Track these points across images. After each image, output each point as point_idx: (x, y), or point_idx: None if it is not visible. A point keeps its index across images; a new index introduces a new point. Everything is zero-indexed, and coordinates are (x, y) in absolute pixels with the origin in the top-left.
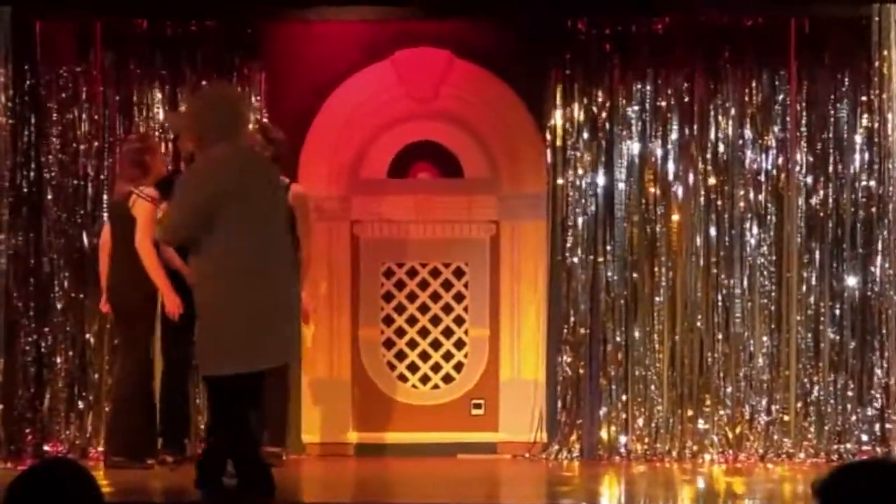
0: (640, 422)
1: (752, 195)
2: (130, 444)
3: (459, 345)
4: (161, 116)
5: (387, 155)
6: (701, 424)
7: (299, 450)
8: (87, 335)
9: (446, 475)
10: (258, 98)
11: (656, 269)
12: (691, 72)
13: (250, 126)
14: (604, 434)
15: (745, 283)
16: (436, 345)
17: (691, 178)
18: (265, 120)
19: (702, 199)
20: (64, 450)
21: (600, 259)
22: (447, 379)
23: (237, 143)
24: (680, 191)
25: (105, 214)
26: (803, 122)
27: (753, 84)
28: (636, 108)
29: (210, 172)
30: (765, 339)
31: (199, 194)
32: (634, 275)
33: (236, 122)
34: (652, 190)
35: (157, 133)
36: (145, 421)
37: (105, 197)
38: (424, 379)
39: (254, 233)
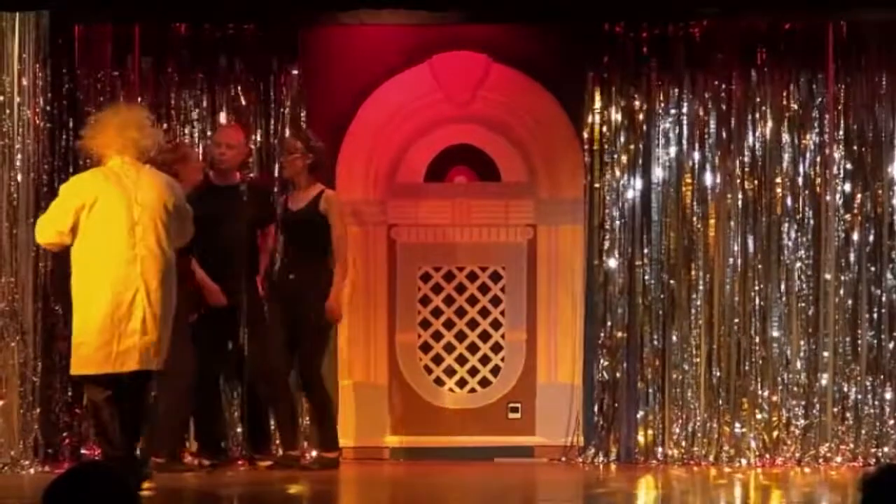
0: (677, 426)
1: (789, 199)
2: (168, 447)
3: (496, 348)
4: (195, 119)
5: (424, 159)
6: (738, 428)
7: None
8: None
9: (483, 479)
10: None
11: (693, 272)
12: (729, 75)
13: (149, 144)
14: (640, 438)
15: (783, 286)
16: (473, 348)
17: (728, 181)
18: (304, 126)
19: (739, 202)
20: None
21: (637, 263)
22: (484, 383)
23: (129, 158)
24: (717, 194)
25: None
26: (841, 125)
27: (791, 88)
28: (673, 111)
29: (85, 182)
30: (802, 343)
31: (70, 200)
32: (671, 279)
33: (132, 142)
34: (689, 193)
35: (193, 138)
36: (184, 424)
37: None
38: (461, 383)
39: (113, 245)
